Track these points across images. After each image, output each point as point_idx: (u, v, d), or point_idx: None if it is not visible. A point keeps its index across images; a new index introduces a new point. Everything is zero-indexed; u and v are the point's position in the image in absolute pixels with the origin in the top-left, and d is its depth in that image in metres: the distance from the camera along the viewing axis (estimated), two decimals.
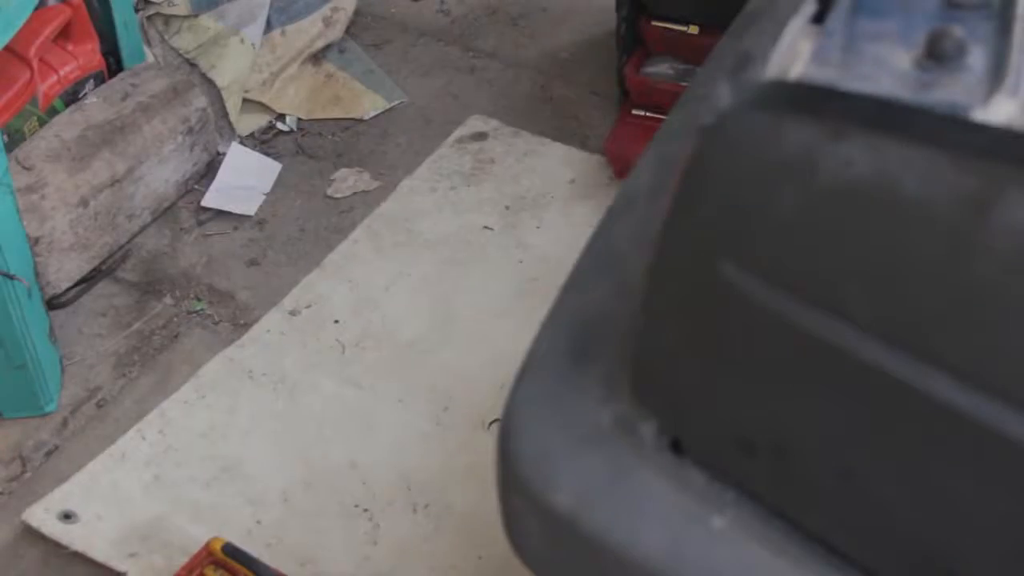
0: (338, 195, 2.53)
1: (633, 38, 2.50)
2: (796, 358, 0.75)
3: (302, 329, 2.19)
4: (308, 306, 2.24)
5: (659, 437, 0.88)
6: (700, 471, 0.86)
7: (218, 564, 1.68)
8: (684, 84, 2.36)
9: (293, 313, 2.22)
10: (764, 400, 0.79)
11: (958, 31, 0.77)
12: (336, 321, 2.19)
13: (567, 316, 1.02)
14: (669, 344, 0.85)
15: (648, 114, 2.48)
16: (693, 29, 2.40)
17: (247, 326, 2.21)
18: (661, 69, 2.47)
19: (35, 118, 2.29)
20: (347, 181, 2.56)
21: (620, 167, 2.42)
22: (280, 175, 2.57)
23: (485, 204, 2.45)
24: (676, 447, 0.87)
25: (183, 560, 1.73)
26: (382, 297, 2.25)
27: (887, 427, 0.73)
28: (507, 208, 2.44)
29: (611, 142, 2.49)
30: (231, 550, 1.67)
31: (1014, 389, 0.66)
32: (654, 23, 2.44)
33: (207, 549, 1.69)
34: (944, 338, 0.68)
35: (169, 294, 2.31)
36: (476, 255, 2.19)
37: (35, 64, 2.28)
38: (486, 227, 2.39)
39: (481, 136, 2.64)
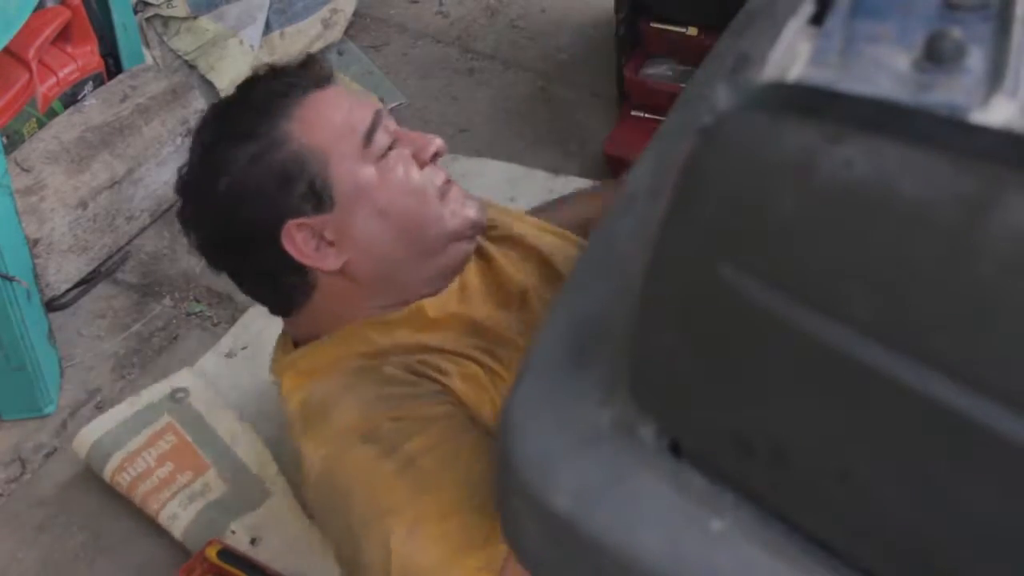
0: None
1: (632, 39, 2.50)
2: (795, 360, 0.75)
3: (239, 372, 2.12)
4: (244, 347, 2.18)
5: (658, 439, 0.88)
6: (699, 473, 0.86)
7: (215, 570, 1.68)
8: (684, 85, 2.36)
9: (229, 355, 2.17)
10: (763, 402, 0.79)
11: (957, 32, 0.77)
12: None
13: (566, 317, 1.02)
14: (667, 346, 0.85)
15: (648, 115, 2.49)
16: (692, 30, 2.41)
17: None
18: (660, 70, 2.48)
19: (34, 120, 2.29)
20: None
21: (619, 168, 2.42)
22: None
23: None
24: (675, 449, 0.87)
25: None
26: None
27: (886, 429, 0.73)
28: None
29: (610, 143, 2.49)
30: (228, 555, 1.67)
31: (1013, 390, 0.66)
32: (653, 24, 2.45)
33: (202, 555, 1.69)
34: (943, 340, 0.68)
35: (168, 296, 2.31)
36: None
37: (34, 66, 2.29)
38: None
39: None
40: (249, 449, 1.91)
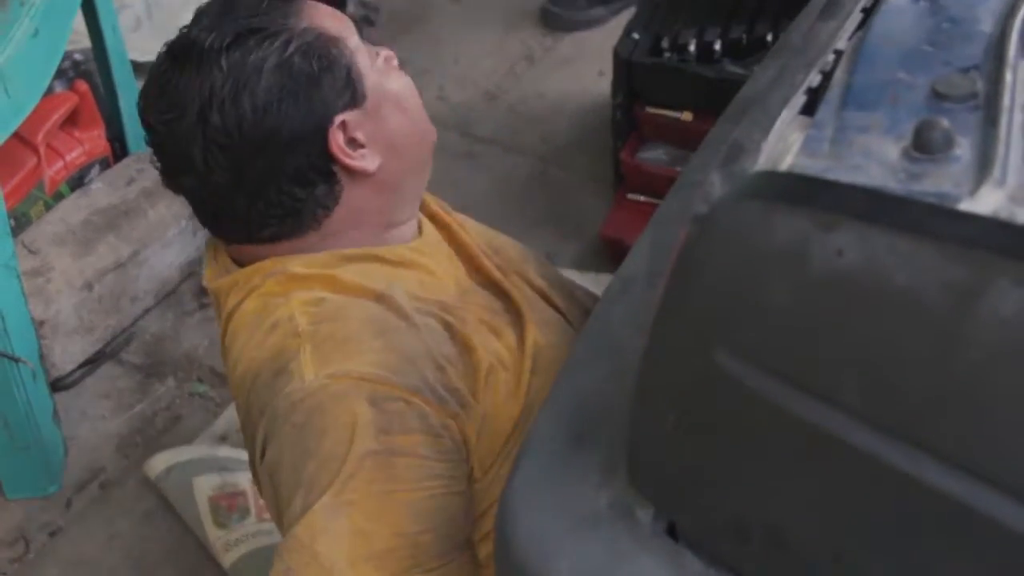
0: None
1: (628, 124, 2.52)
2: (790, 445, 0.76)
3: (237, 456, 2.09)
4: (238, 430, 2.15)
5: (655, 522, 0.88)
6: (696, 556, 0.86)
7: None
8: (679, 169, 2.39)
9: (224, 438, 2.15)
10: (758, 486, 0.80)
11: (945, 122, 0.79)
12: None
13: (565, 400, 1.03)
14: (664, 430, 0.86)
15: (644, 199, 2.50)
16: (687, 115, 2.43)
17: None
18: (656, 154, 2.49)
19: (42, 203, 2.31)
20: None
21: (616, 251, 2.43)
22: None
23: None
24: (672, 532, 0.88)
25: None
26: None
27: (881, 512, 0.74)
28: None
29: (607, 226, 2.51)
30: None
31: (1003, 475, 0.68)
32: (649, 110, 2.47)
33: None
34: (935, 426, 0.70)
35: (172, 376, 2.32)
36: None
37: (42, 150, 2.31)
38: None
39: None
40: None
